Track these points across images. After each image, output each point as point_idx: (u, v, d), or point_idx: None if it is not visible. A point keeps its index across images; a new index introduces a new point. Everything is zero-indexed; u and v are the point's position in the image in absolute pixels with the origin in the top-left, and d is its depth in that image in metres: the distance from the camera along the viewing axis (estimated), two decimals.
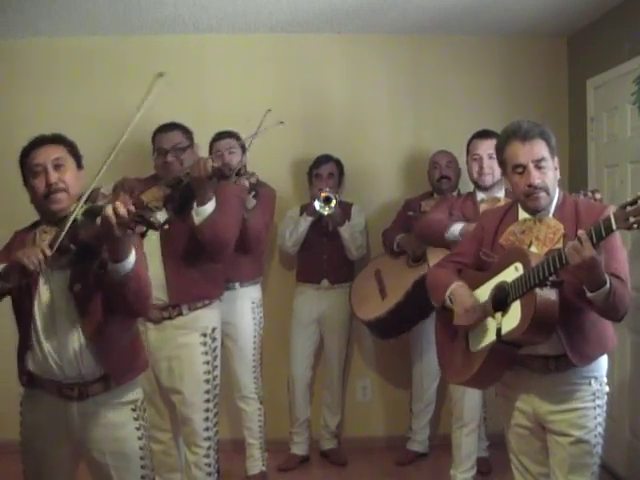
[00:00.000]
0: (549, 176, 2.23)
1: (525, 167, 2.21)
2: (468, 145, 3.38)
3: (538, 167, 2.21)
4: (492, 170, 3.22)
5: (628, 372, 3.54)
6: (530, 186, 2.21)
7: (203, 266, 2.95)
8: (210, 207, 2.84)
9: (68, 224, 1.97)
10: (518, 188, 2.26)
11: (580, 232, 1.95)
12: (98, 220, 1.94)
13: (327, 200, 3.74)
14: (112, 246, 1.98)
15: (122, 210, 1.89)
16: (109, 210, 1.89)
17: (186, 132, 3.06)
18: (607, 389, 2.28)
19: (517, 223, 2.31)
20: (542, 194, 2.22)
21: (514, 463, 2.41)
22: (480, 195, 3.29)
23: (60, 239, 1.96)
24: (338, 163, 4.06)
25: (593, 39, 4.01)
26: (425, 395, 4.04)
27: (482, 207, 3.23)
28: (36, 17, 3.74)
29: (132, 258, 2.02)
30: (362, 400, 4.34)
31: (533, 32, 4.18)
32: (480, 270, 2.37)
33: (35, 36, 4.00)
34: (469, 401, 3.39)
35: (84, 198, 2.03)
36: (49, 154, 2.14)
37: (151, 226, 1.94)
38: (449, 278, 2.39)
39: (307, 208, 3.92)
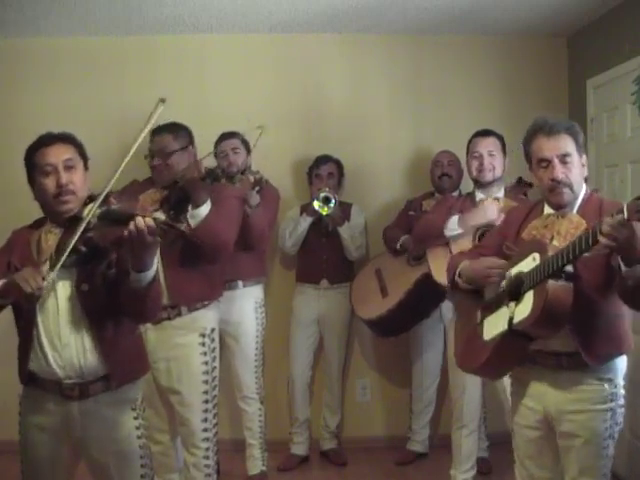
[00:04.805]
0: (574, 172, 2.20)
1: (549, 161, 2.19)
2: (468, 144, 3.38)
3: (563, 162, 2.18)
4: (493, 167, 3.22)
5: (628, 372, 3.52)
6: (553, 180, 2.18)
7: (202, 267, 2.94)
8: (205, 210, 2.82)
9: (79, 231, 1.97)
10: (542, 183, 2.24)
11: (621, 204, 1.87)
12: (124, 228, 1.94)
13: (326, 200, 3.75)
14: (139, 256, 1.99)
15: (150, 220, 1.91)
16: (140, 221, 1.91)
17: (177, 136, 2.98)
18: (623, 392, 2.22)
19: (540, 218, 2.29)
20: (566, 189, 2.19)
21: (517, 466, 2.39)
22: (479, 195, 3.29)
23: (65, 256, 1.97)
24: (338, 163, 4.07)
25: (593, 39, 4.01)
26: (425, 395, 4.04)
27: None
28: (36, 17, 3.74)
29: (155, 267, 2.04)
30: (362, 400, 4.34)
31: (533, 32, 4.18)
32: None
33: (35, 36, 4.00)
34: (468, 401, 3.38)
35: (98, 202, 2.03)
36: (60, 154, 2.12)
37: (182, 235, 1.95)
38: (462, 260, 2.39)
39: (307, 208, 3.92)
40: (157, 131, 2.99)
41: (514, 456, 2.41)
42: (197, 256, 2.86)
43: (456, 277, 2.37)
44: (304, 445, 4.06)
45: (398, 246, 3.85)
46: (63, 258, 1.97)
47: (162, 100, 2.14)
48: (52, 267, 1.98)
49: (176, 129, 3.02)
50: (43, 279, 1.94)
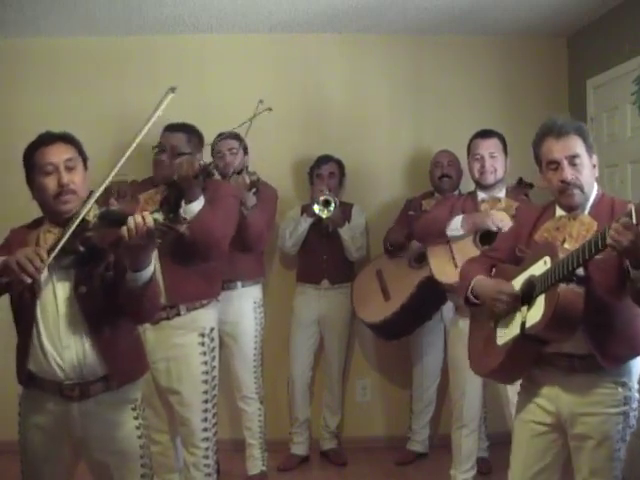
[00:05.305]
0: (584, 173, 2.18)
1: (559, 163, 2.18)
2: (469, 145, 3.37)
3: (572, 164, 2.17)
4: (494, 169, 3.22)
5: None
6: (563, 182, 2.17)
7: (199, 265, 2.92)
8: (197, 206, 2.79)
9: (73, 227, 1.97)
10: (552, 185, 2.22)
11: (629, 206, 1.85)
12: (122, 228, 1.93)
13: (326, 203, 3.74)
14: (136, 256, 1.99)
15: (149, 220, 1.91)
16: (139, 221, 1.91)
17: (191, 139, 2.97)
18: (637, 395, 2.20)
19: (552, 220, 2.27)
20: (576, 191, 2.17)
21: (512, 468, 2.35)
22: (481, 195, 3.28)
23: (61, 245, 1.96)
24: (339, 163, 4.07)
25: (593, 39, 4.01)
26: (425, 395, 4.04)
27: (483, 207, 3.22)
28: (36, 17, 3.74)
29: (152, 266, 2.04)
30: (362, 400, 4.34)
31: (533, 32, 4.18)
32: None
33: (35, 36, 4.00)
34: (469, 401, 3.37)
35: (92, 200, 2.03)
36: (61, 153, 2.12)
37: (181, 236, 1.95)
38: (474, 273, 2.36)
39: (307, 209, 3.92)
40: (173, 128, 2.98)
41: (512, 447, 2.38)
42: (190, 254, 2.81)
43: (468, 293, 2.34)
44: (304, 445, 4.06)
45: (388, 245, 3.87)
46: (61, 244, 1.96)
47: (172, 89, 2.10)
48: (49, 252, 1.97)
49: (192, 133, 2.99)
50: (42, 261, 1.93)
